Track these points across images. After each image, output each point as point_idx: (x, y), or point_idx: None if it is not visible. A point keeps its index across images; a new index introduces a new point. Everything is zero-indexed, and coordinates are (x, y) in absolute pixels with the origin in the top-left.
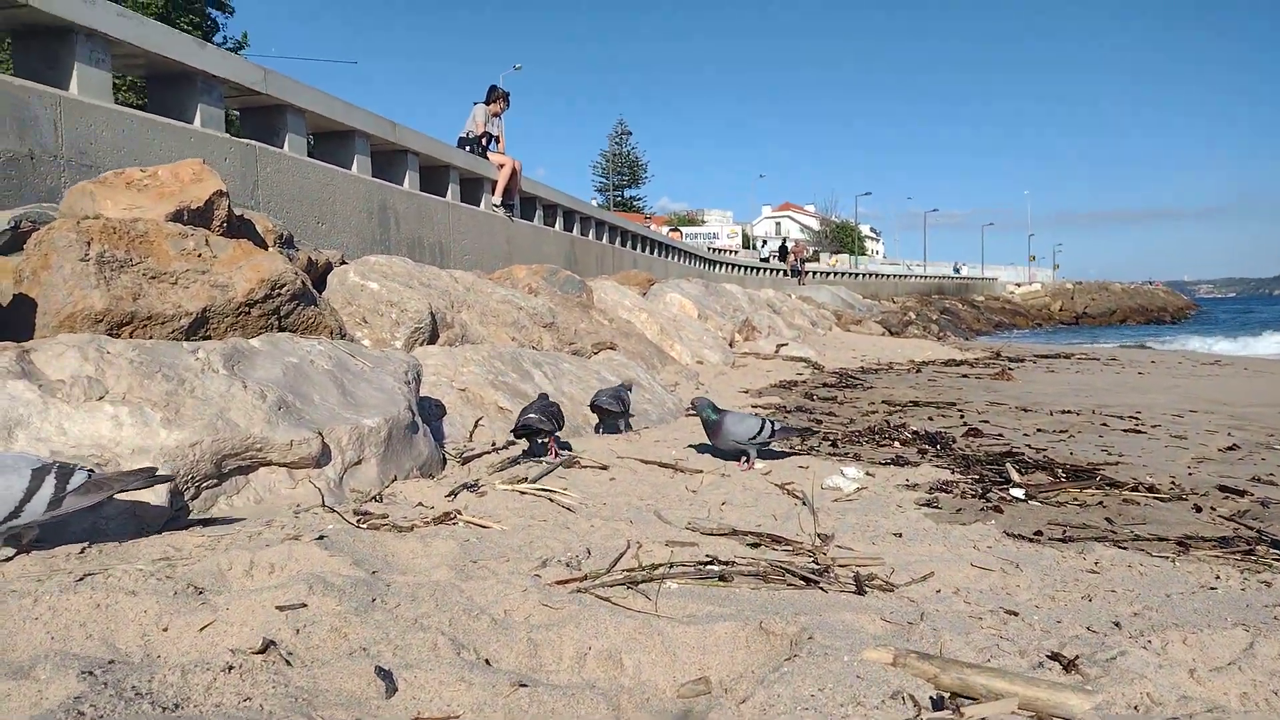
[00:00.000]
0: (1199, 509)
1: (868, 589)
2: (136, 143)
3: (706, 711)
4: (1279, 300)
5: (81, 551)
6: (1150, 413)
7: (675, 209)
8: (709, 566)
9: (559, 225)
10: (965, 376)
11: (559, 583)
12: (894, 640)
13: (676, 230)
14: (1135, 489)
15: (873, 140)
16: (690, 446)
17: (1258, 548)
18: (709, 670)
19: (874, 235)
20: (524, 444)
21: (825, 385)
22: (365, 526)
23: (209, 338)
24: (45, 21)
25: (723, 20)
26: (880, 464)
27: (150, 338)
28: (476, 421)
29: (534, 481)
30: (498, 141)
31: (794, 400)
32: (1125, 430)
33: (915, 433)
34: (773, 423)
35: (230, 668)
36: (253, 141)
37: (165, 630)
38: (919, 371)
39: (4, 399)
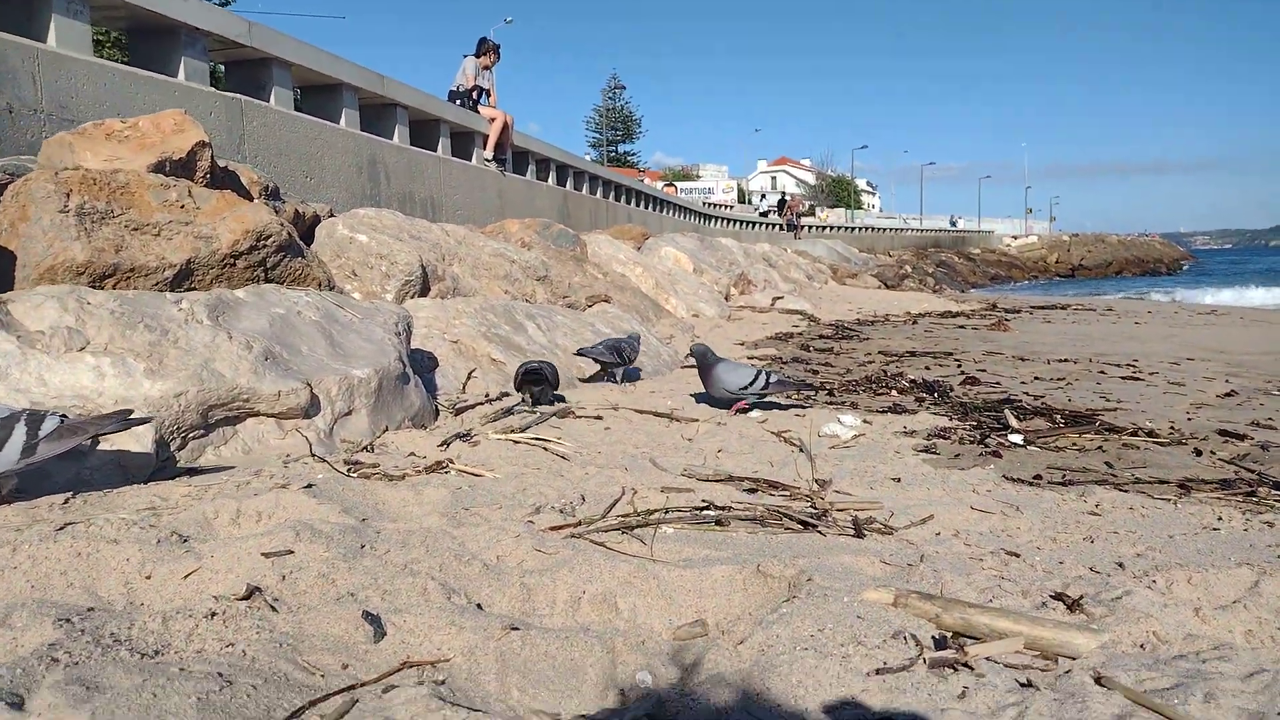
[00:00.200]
0: (1199, 453)
1: (866, 532)
2: (119, 96)
3: (703, 653)
4: (1275, 251)
5: (65, 502)
6: (1148, 361)
7: (670, 164)
8: (705, 511)
9: (552, 180)
10: (962, 327)
11: (553, 529)
12: (894, 582)
13: (671, 185)
14: (1135, 434)
15: (869, 94)
16: (689, 396)
17: (1259, 489)
18: (706, 613)
19: (870, 189)
20: (519, 397)
21: (821, 337)
22: (355, 475)
23: (194, 290)
24: None
25: None
26: (877, 412)
27: (134, 290)
28: (470, 373)
29: (527, 431)
30: (489, 95)
31: (790, 352)
32: (1123, 378)
33: (912, 381)
34: (768, 373)
35: (213, 614)
36: (238, 95)
37: (148, 578)
38: (915, 323)
39: None
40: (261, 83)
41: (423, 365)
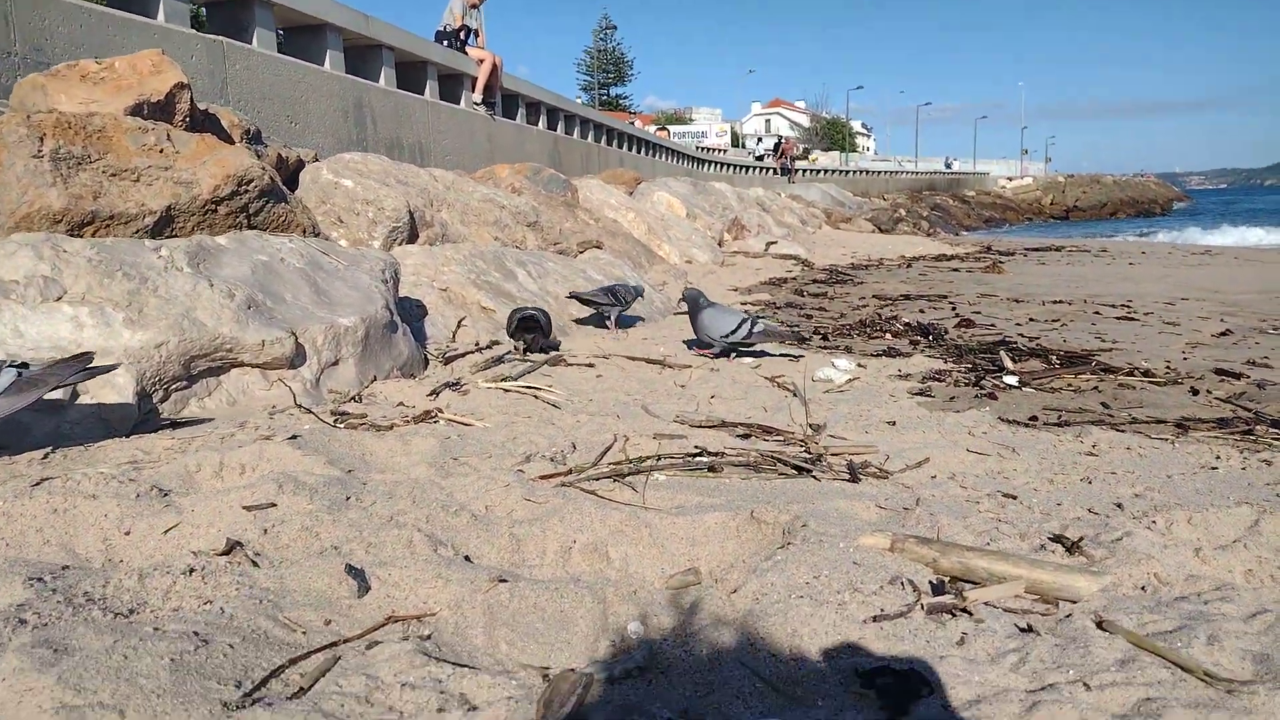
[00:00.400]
0: (1195, 392)
1: (862, 476)
2: (96, 39)
3: (697, 602)
4: (1270, 191)
5: (44, 456)
6: (1142, 301)
7: (663, 107)
8: (698, 458)
9: (542, 124)
10: (956, 271)
11: (543, 477)
12: (890, 526)
13: (664, 129)
14: (1130, 374)
15: (865, 33)
16: (681, 343)
17: (1256, 428)
18: (699, 561)
19: (865, 131)
20: (509, 345)
21: (815, 282)
22: (343, 426)
23: (175, 237)
24: None
25: None
26: (872, 356)
27: (111, 239)
28: (459, 321)
29: (518, 379)
30: (477, 36)
31: (784, 297)
32: (1118, 318)
33: (907, 325)
34: (754, 320)
35: (191, 570)
36: (220, 37)
37: (127, 534)
38: (910, 267)
39: None
40: (244, 24)
41: (411, 313)
